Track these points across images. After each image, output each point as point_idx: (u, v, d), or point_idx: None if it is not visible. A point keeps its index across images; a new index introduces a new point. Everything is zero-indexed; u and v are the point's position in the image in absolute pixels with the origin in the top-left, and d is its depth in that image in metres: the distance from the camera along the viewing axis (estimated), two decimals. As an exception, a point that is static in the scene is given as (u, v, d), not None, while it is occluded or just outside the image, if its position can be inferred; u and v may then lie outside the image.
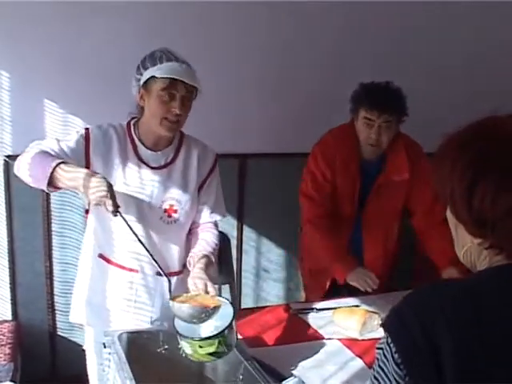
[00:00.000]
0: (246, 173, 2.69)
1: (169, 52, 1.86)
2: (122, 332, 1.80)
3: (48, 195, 2.90)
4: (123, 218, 1.71)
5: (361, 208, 2.54)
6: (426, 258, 3.40)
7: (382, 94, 2.34)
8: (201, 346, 1.55)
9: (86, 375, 2.41)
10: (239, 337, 1.88)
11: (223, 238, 2.27)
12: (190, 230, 2.06)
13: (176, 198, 1.96)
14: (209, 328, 1.59)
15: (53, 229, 2.97)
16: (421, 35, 3.22)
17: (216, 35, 3.01)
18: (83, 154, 1.88)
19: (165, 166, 1.96)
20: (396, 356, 0.84)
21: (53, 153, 1.80)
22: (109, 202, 1.65)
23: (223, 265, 2.42)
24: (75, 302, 2.10)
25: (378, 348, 0.90)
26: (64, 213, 2.98)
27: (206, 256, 1.89)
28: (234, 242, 3.06)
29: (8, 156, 2.84)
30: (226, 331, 1.55)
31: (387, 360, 0.87)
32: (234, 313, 1.60)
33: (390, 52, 3.17)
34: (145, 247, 1.76)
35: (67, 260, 3.01)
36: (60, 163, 1.70)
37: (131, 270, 1.97)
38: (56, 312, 3.04)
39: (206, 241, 1.99)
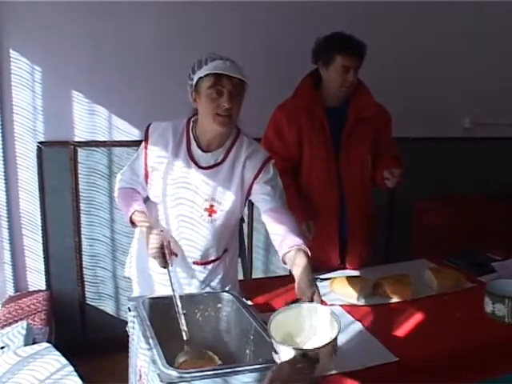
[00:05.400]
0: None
1: (213, 53, 1.91)
2: (145, 298, 1.92)
3: (77, 178, 3.09)
4: (169, 273, 1.88)
5: (337, 154, 2.57)
6: (424, 231, 3.57)
7: (354, 41, 2.46)
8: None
9: (113, 338, 2.61)
10: (250, 303, 2.03)
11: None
12: (264, 213, 2.01)
13: (216, 199, 1.98)
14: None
15: (81, 208, 3.13)
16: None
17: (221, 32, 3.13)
18: (144, 153, 2.01)
19: (212, 167, 1.98)
20: None
21: (129, 185, 2.09)
22: (159, 260, 1.88)
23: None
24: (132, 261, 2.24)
25: None
26: (91, 193, 3.13)
27: (302, 251, 1.81)
28: (245, 220, 3.18)
29: (41, 142, 3.01)
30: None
31: None
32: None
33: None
34: (174, 295, 1.83)
35: (94, 236, 3.19)
36: (134, 212, 1.98)
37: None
38: (85, 283, 3.21)
39: (289, 226, 1.92)
